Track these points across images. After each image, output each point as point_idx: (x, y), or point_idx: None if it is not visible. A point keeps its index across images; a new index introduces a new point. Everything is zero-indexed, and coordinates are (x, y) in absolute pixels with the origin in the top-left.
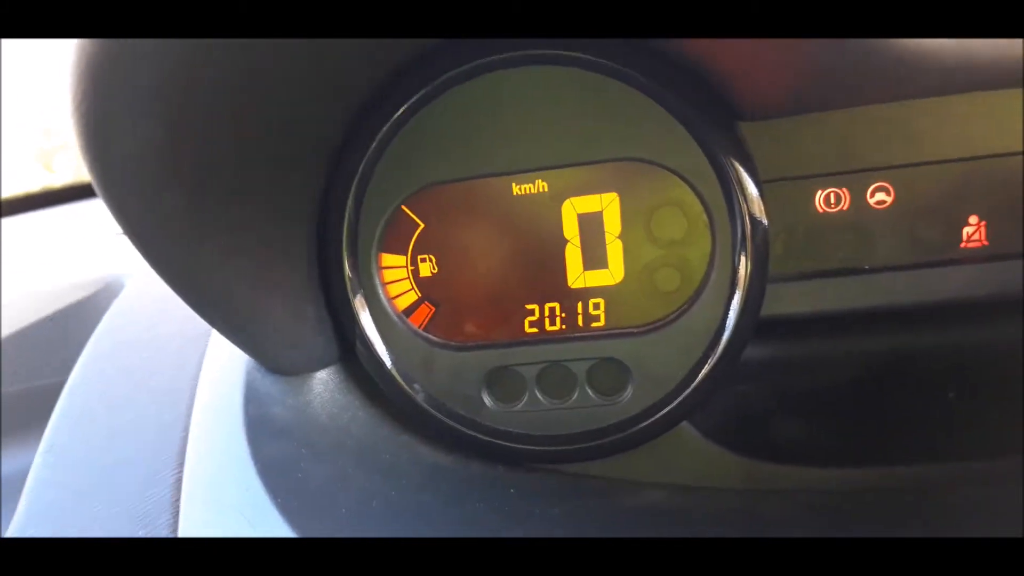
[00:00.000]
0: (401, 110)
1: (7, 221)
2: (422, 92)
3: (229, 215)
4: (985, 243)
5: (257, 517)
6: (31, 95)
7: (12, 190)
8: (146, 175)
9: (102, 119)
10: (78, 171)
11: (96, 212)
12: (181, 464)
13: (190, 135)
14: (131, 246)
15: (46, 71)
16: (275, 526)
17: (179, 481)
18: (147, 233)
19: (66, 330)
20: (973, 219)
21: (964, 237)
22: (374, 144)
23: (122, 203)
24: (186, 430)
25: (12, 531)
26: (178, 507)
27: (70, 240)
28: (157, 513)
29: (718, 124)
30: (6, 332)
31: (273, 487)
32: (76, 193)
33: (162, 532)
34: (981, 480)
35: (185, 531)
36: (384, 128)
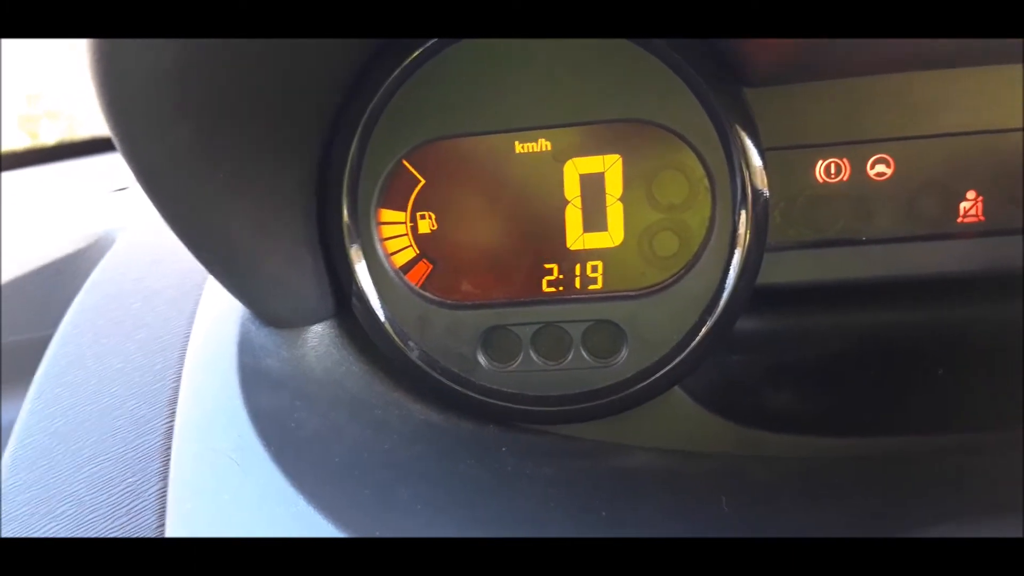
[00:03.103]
0: (405, 63)
1: None
2: (426, 46)
3: (233, 154)
4: (982, 218)
5: (249, 463)
6: (14, 60)
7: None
8: (155, 104)
9: (115, 44)
10: (63, 137)
11: (86, 170)
12: (172, 412)
13: (199, 68)
14: (132, 189)
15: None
16: (267, 472)
17: (170, 429)
18: (152, 165)
19: (57, 283)
20: (971, 194)
21: (961, 212)
22: (377, 96)
23: (128, 131)
24: (177, 379)
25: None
26: (168, 454)
27: (61, 197)
28: (148, 459)
29: (724, 89)
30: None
31: (266, 435)
32: (65, 152)
33: (152, 478)
34: (971, 451)
35: (175, 476)
36: (388, 81)
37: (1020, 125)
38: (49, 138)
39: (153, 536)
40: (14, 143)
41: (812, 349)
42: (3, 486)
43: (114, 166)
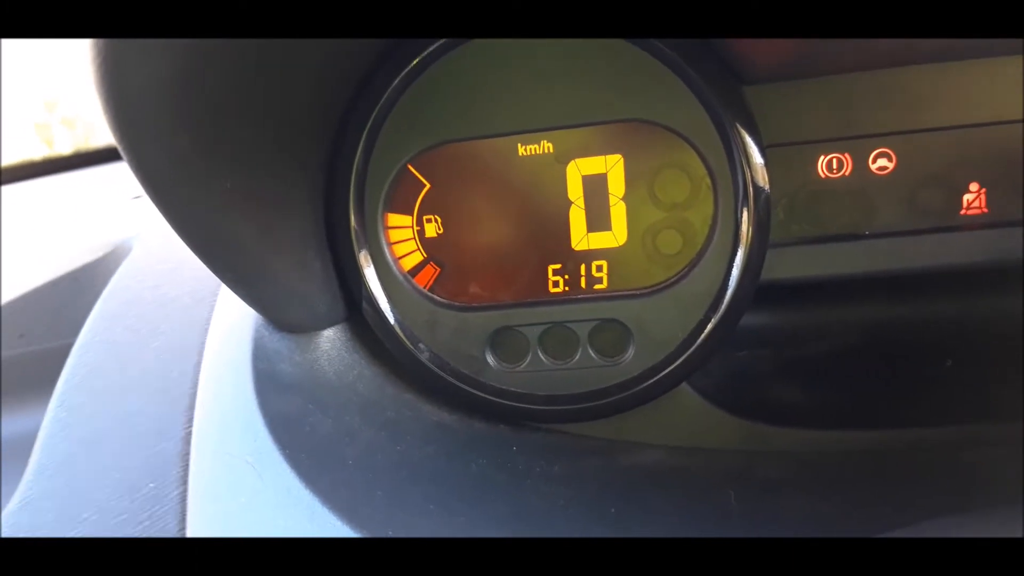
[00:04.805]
0: (408, 68)
1: (9, 188)
2: (429, 50)
3: (238, 162)
4: (985, 210)
5: (265, 468)
6: (32, 67)
7: (15, 158)
8: (159, 113)
9: (118, 53)
10: (79, 145)
11: (102, 179)
12: (190, 419)
13: (203, 75)
14: (143, 196)
15: (47, 43)
16: (283, 476)
17: (188, 435)
18: (158, 175)
19: (75, 292)
20: (973, 186)
21: (964, 204)
22: (381, 102)
23: (134, 141)
24: (194, 386)
25: (24, 484)
26: (188, 460)
27: (79, 206)
28: (168, 464)
29: (723, 87)
30: (16, 294)
31: (281, 439)
32: (81, 161)
33: (172, 483)
34: (978, 444)
35: (194, 481)
36: (391, 86)
37: (1021, 117)
38: (65, 146)
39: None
40: (31, 152)
41: (818, 344)
42: (29, 493)
43: (128, 175)
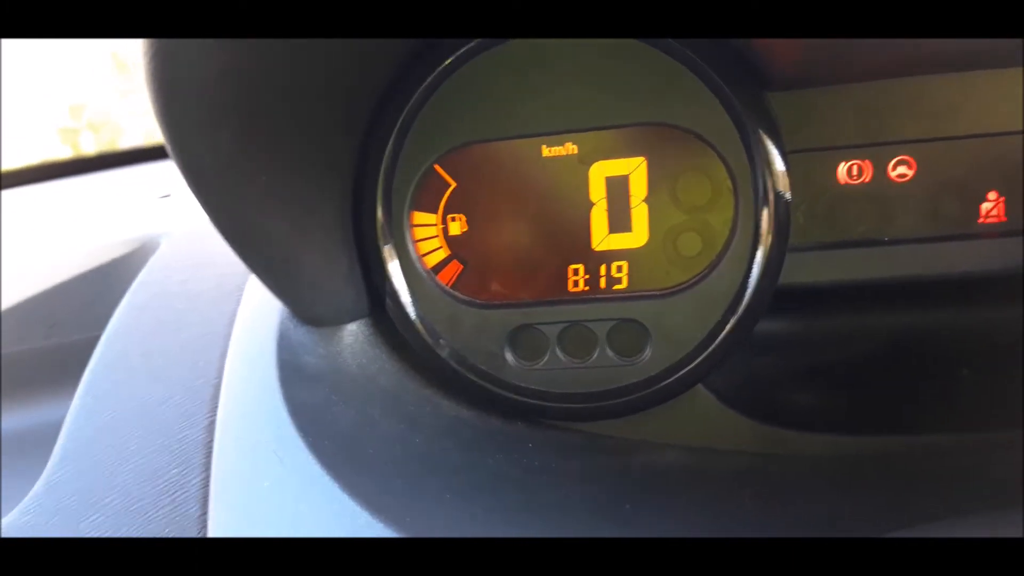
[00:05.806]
0: (437, 71)
1: (36, 188)
2: (457, 53)
3: (275, 158)
4: (1003, 219)
5: (287, 455)
6: (57, 71)
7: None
8: (205, 108)
9: (170, 50)
10: (105, 149)
11: (130, 179)
12: (215, 407)
13: (247, 73)
14: (175, 197)
15: (72, 47)
16: (305, 463)
17: (213, 423)
18: (199, 167)
19: (105, 286)
20: (992, 195)
21: (983, 212)
22: (410, 103)
23: (179, 134)
24: (219, 375)
25: (50, 466)
26: (211, 447)
27: (108, 204)
28: (192, 451)
29: (746, 92)
30: (47, 287)
31: (303, 428)
32: (110, 161)
33: (195, 469)
34: (996, 448)
35: (218, 467)
36: (420, 88)
37: None
38: (91, 150)
39: (196, 524)
40: (56, 154)
41: (835, 349)
42: (54, 476)
43: (155, 175)
